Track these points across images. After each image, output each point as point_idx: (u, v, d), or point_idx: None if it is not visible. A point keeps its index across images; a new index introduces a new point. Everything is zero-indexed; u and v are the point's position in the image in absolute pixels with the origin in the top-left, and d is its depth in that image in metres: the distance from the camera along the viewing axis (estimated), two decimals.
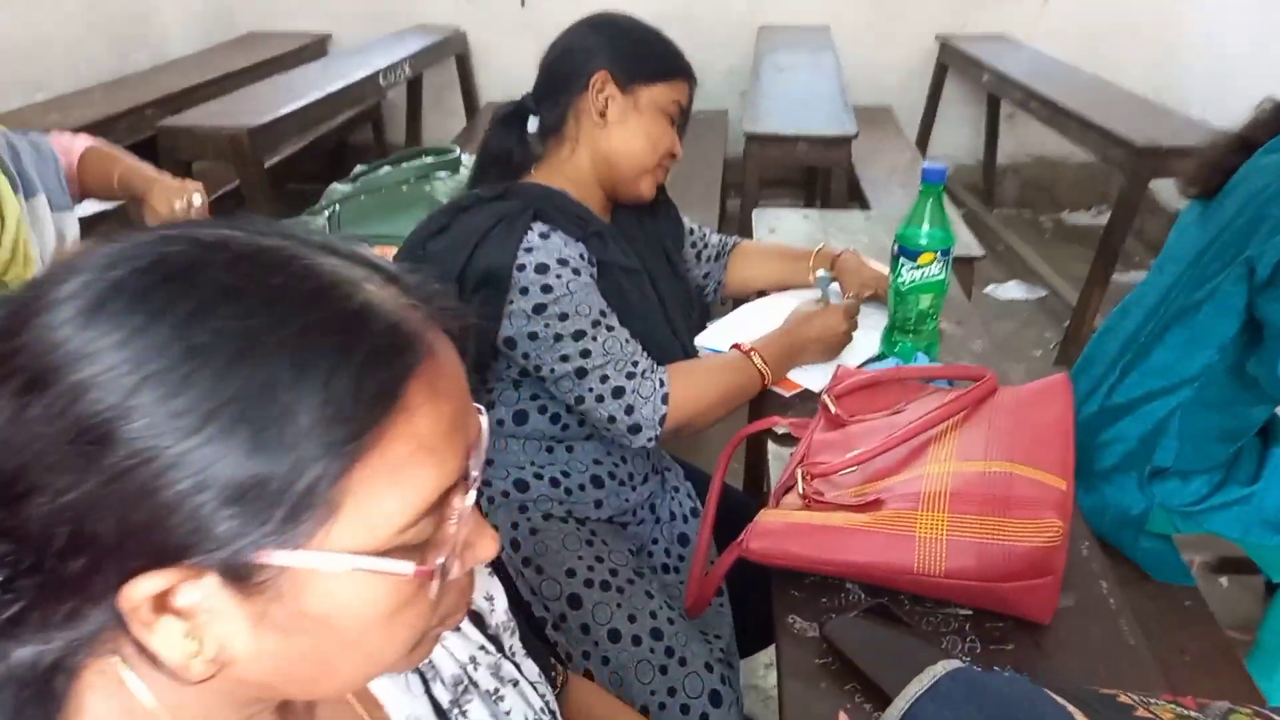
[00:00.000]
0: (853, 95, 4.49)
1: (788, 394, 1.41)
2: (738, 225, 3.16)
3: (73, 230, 1.47)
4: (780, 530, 1.03)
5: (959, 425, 1.13)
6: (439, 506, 0.50)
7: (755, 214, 2.10)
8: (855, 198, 3.45)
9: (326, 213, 1.77)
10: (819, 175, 4.18)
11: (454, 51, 4.71)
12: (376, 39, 4.50)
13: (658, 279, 1.46)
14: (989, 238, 4.16)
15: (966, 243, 2.86)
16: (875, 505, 1.02)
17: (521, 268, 1.24)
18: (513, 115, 1.43)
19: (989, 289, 3.80)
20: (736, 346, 1.39)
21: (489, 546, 0.54)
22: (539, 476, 1.38)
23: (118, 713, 0.49)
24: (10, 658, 0.44)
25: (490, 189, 1.35)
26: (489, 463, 1.38)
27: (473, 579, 0.57)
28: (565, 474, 1.39)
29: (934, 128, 4.75)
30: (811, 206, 4.36)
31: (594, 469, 1.40)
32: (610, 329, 1.27)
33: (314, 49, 4.74)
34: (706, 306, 1.72)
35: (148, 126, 3.23)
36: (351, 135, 4.88)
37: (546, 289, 1.24)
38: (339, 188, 1.87)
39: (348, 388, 0.45)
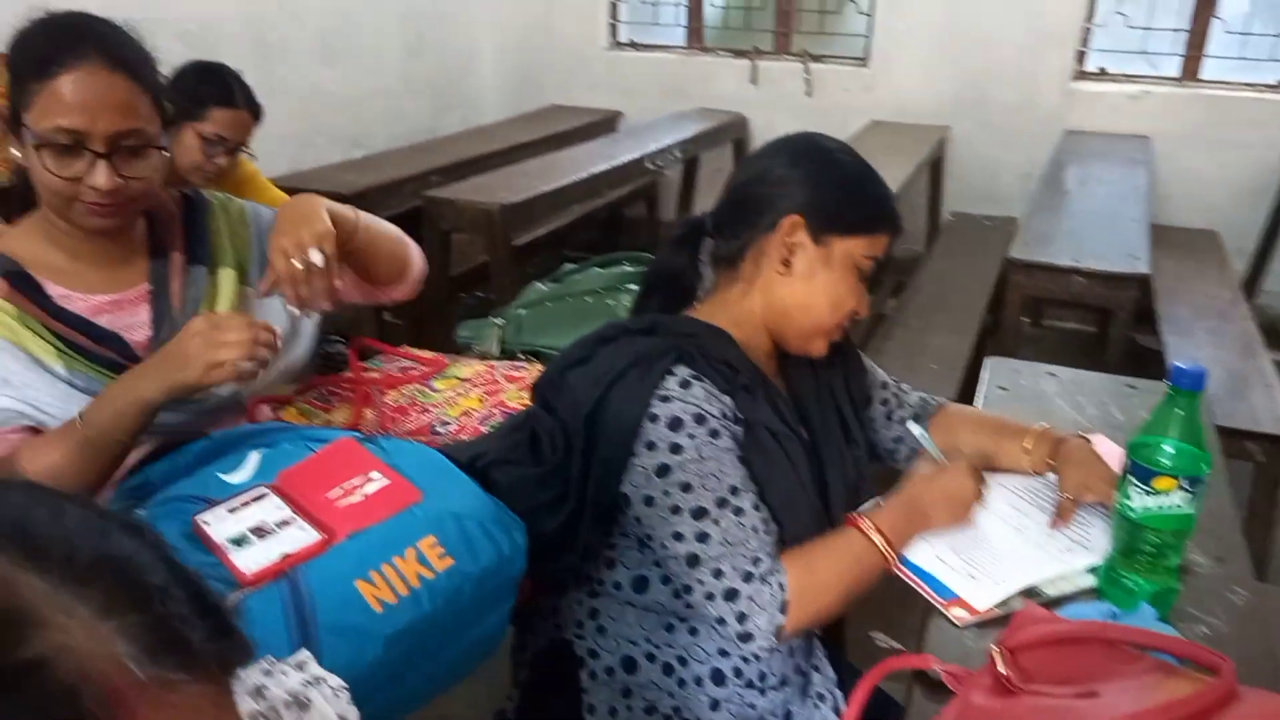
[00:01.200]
0: (1171, 213, 3.96)
1: (963, 624, 1.14)
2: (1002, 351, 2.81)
3: (308, 324, 1.46)
4: None
5: None
6: None
7: (988, 364, 1.80)
8: (1149, 327, 2.95)
9: (499, 321, 1.73)
10: None
11: (733, 136, 4.70)
12: (661, 118, 4.58)
13: (822, 442, 1.27)
14: None
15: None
16: None
17: (653, 418, 1.10)
18: (688, 236, 1.30)
19: None
20: (851, 520, 1.17)
21: None
22: (651, 659, 1.21)
23: None
24: None
25: (639, 320, 1.23)
26: (601, 630, 1.22)
27: None
28: (682, 661, 1.21)
29: (1269, 262, 4.05)
30: (1104, 335, 3.85)
31: (717, 661, 1.21)
32: (739, 511, 1.10)
33: (604, 124, 4.92)
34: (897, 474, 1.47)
35: (428, 190, 3.43)
36: (627, 208, 4.98)
37: (675, 449, 1.10)
38: (539, 287, 1.84)
39: None
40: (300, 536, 0.98)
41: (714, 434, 1.11)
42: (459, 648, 0.99)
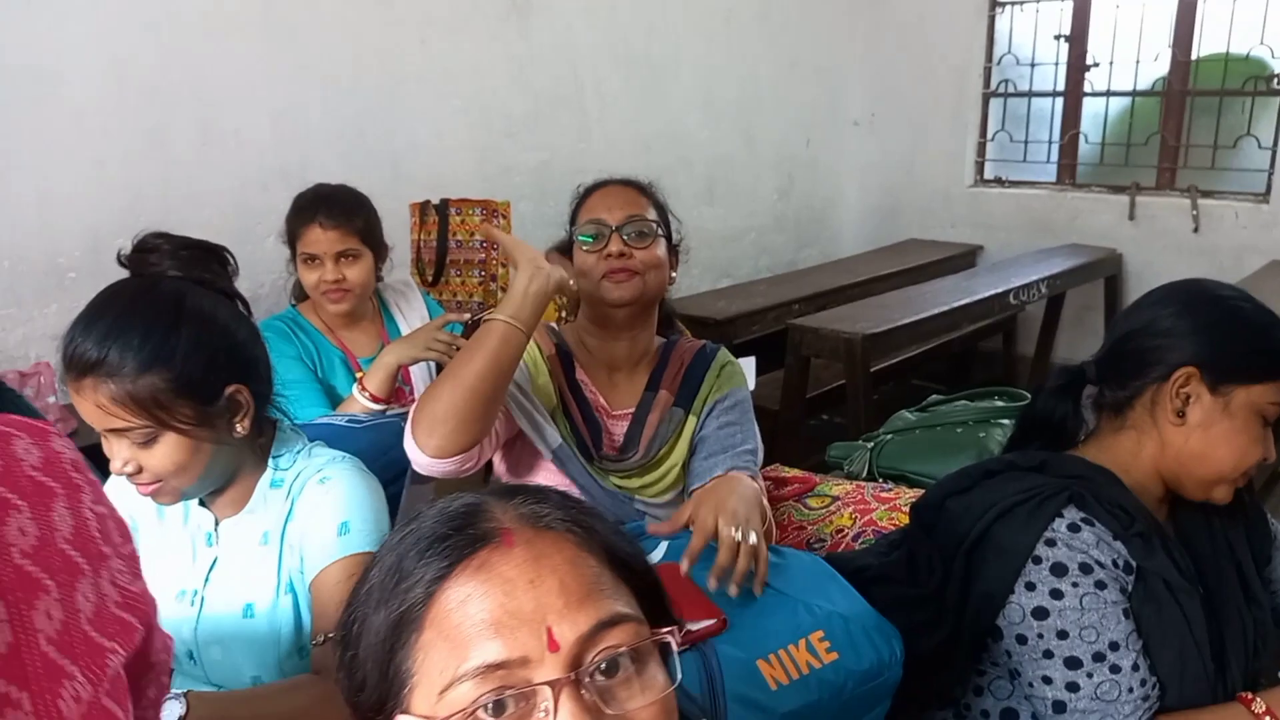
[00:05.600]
0: None
1: None
2: None
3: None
4: None
5: None
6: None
7: None
8: None
9: (870, 445, 1.83)
10: None
11: (1105, 274, 4.51)
12: (1025, 254, 4.52)
13: (1219, 600, 1.21)
14: None
15: None
16: None
17: (1037, 560, 1.13)
18: (1070, 385, 1.31)
19: None
20: (1243, 699, 1.11)
21: None
22: None
23: None
24: None
25: (1027, 457, 1.25)
26: None
27: None
28: None
29: None
30: None
31: None
32: (1115, 669, 1.09)
33: (964, 259, 4.92)
34: None
35: (789, 318, 3.65)
36: (981, 342, 4.90)
37: (1056, 594, 1.11)
38: (906, 415, 1.93)
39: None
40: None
41: (1100, 585, 1.10)
42: None
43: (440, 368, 2.13)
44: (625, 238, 1.48)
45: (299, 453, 1.25)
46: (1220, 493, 1.19)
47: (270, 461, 1.24)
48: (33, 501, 0.39)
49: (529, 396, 1.50)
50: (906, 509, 1.35)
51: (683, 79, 4.35)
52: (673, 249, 1.58)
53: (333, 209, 2.06)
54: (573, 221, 1.57)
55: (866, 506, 1.57)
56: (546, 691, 0.57)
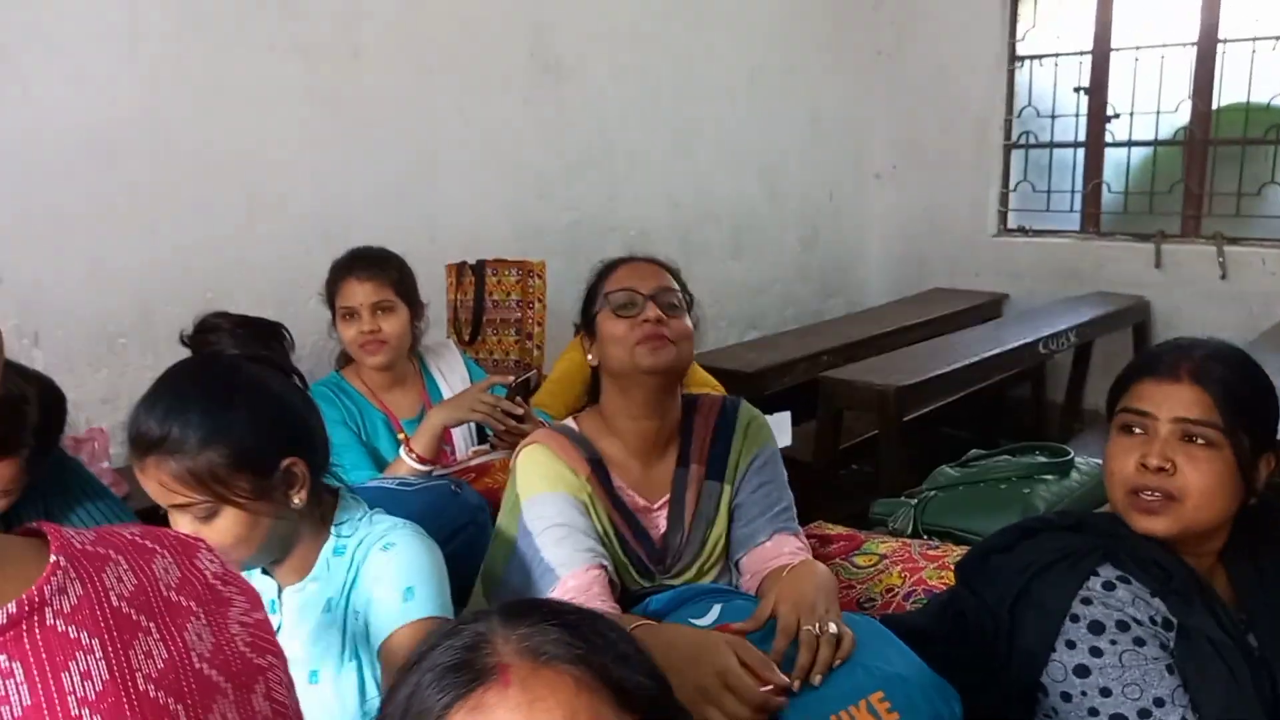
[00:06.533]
0: None
1: None
2: None
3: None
4: None
5: None
6: None
7: None
8: None
9: (914, 502, 1.85)
10: None
11: (1133, 321, 4.51)
12: (1052, 302, 4.53)
13: (1273, 653, 1.20)
14: None
15: None
16: None
17: (1075, 619, 1.15)
18: None
19: None
20: None
21: None
22: None
23: None
24: None
25: (1065, 516, 1.29)
26: None
27: None
28: None
29: None
30: None
31: None
32: None
33: (990, 308, 4.94)
34: None
35: (819, 369, 3.67)
36: (1011, 390, 4.89)
37: (1096, 652, 1.13)
38: (947, 471, 1.94)
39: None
40: None
41: (1139, 641, 1.11)
42: None
43: (481, 429, 2.17)
44: (658, 305, 1.46)
45: (361, 520, 1.28)
46: (1133, 519, 1.18)
47: (333, 530, 1.27)
48: (161, 623, 0.38)
49: (597, 539, 1.46)
50: (955, 567, 1.36)
51: (708, 137, 4.43)
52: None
53: (368, 263, 2.16)
54: (592, 297, 1.55)
55: (915, 565, 1.58)
56: None
